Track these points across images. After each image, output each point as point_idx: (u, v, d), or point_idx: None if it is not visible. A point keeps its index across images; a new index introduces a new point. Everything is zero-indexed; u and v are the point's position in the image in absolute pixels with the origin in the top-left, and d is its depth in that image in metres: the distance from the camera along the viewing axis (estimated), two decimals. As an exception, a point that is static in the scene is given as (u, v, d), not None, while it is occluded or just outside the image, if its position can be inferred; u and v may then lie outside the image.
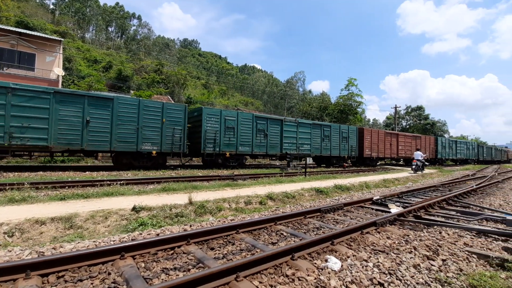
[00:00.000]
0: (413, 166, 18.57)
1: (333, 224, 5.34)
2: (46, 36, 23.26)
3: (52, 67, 21.95)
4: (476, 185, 10.89)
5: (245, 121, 16.31)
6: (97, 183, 8.33)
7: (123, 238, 4.12)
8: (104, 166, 14.28)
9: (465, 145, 38.29)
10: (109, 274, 2.89)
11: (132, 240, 3.95)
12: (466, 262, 3.57)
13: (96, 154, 14.57)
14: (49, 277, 2.75)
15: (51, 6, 72.95)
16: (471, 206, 7.26)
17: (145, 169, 13.09)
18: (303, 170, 14.30)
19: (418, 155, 19.41)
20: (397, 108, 43.08)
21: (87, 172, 11.32)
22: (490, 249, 4.05)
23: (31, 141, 10.53)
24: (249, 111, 41.89)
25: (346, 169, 19.38)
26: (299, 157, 20.96)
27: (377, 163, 26.14)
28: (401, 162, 31.40)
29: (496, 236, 4.60)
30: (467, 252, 3.85)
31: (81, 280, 2.74)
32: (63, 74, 23.56)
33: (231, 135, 15.62)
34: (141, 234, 4.33)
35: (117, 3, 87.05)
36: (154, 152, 13.31)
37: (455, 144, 35.44)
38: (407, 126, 64.88)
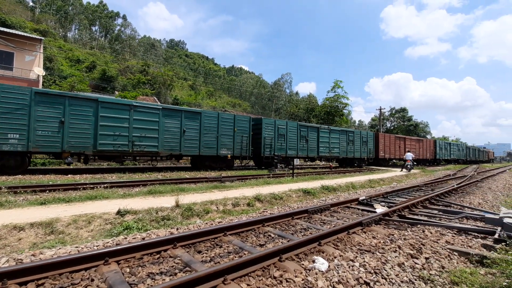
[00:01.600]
0: (408, 166, 20.33)
1: (320, 224, 5.39)
2: (25, 34, 22.43)
3: (32, 67, 21.19)
4: (457, 185, 11.27)
5: (292, 129, 19.08)
6: (80, 186, 8.09)
7: (107, 243, 4.01)
8: (88, 169, 13.88)
9: (457, 147, 43.26)
10: (92, 280, 2.80)
11: (117, 244, 3.85)
12: (448, 260, 3.68)
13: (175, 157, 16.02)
14: (27, 285, 2.63)
15: (31, 4, 70.44)
16: (452, 205, 7.50)
17: (221, 170, 15.77)
18: (290, 171, 14.40)
19: (409, 155, 20.98)
20: (382, 110, 44.12)
21: (69, 175, 10.97)
22: (470, 247, 4.20)
23: (146, 148, 12.98)
24: (237, 112, 41.85)
25: (332, 169, 19.70)
26: (331, 159, 23.65)
27: (389, 163, 29.94)
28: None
29: (476, 234, 4.77)
30: (448, 250, 3.98)
31: (62, 288, 2.64)
32: (44, 74, 22.79)
33: (282, 141, 18.40)
34: (126, 238, 4.23)
35: (100, 2, 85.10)
36: (229, 155, 16.02)
37: (449, 146, 40.02)
38: (392, 127, 66.47)
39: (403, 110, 67.20)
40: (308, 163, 27.96)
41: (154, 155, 13.51)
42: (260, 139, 17.23)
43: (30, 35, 22.91)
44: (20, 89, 10.53)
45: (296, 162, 24.96)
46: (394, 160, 31.75)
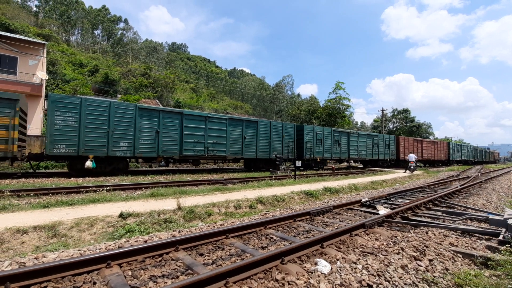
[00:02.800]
0: (411, 167, 20.58)
1: (322, 226, 5.37)
2: (28, 39, 22.63)
3: (35, 71, 21.35)
4: (460, 186, 11.19)
5: (327, 134, 21.57)
6: (83, 189, 8.11)
7: (110, 245, 4.02)
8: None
9: (466, 149, 46.57)
10: (95, 283, 2.80)
11: (119, 247, 3.86)
12: (452, 262, 3.65)
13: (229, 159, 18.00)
14: (30, 288, 2.64)
15: (34, 9, 71.18)
16: (456, 206, 7.44)
17: (272, 170, 17.60)
18: (293, 173, 14.37)
19: (412, 157, 21.13)
20: (384, 111, 43.96)
21: (72, 179, 11.02)
22: (474, 248, 4.16)
23: (217, 153, 15.33)
24: (238, 114, 41.91)
25: (335, 171, 19.64)
26: (359, 160, 25.84)
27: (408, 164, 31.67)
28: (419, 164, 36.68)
29: (480, 235, 4.73)
30: (452, 252, 3.94)
31: (64, 291, 2.65)
32: (47, 78, 22.95)
33: (319, 145, 20.78)
34: (128, 241, 4.23)
35: (103, 6, 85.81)
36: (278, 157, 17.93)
37: (460, 148, 43.31)
38: (394, 129, 66.17)
39: (406, 111, 66.87)
40: (338, 165, 29.71)
41: (222, 158, 16.03)
42: (302, 144, 19.58)
43: (34, 40, 23.11)
44: (128, 105, 12.90)
45: (298, 164, 25.02)
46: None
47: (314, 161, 20.40)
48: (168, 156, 13.78)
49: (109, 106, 11.98)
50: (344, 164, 29.55)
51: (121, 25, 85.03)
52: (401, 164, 28.81)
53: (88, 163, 11.31)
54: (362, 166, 28.04)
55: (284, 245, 4.11)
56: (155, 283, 2.86)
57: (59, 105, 10.95)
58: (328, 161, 22.67)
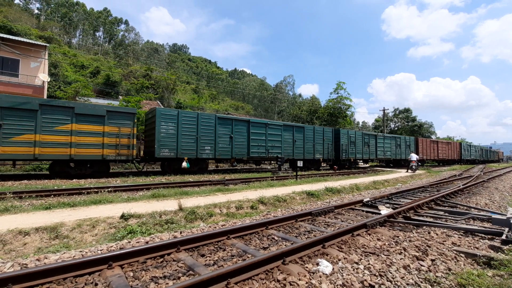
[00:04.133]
0: (413, 167, 20.79)
1: (324, 227, 5.36)
2: (30, 41, 22.73)
3: (37, 73, 21.44)
4: (463, 185, 11.13)
5: (358, 137, 23.90)
6: (84, 191, 8.14)
7: (111, 247, 4.02)
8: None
9: (475, 149, 51.27)
10: (96, 285, 2.81)
11: (120, 248, 3.85)
12: (455, 262, 3.63)
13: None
14: (32, 290, 2.65)
15: (36, 11, 71.56)
16: (458, 205, 7.41)
17: (315, 169, 20.84)
18: (294, 173, 14.36)
19: (414, 156, 21.25)
20: (385, 111, 43.85)
21: (74, 180, 11.05)
22: (477, 248, 4.13)
23: (275, 154, 17.92)
24: (239, 115, 41.92)
25: (336, 171, 19.62)
26: (383, 161, 28.34)
27: (425, 162, 35.24)
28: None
29: (483, 235, 4.70)
30: (455, 252, 3.92)
31: (66, 292, 2.65)
32: (49, 80, 23.05)
33: (352, 147, 23.00)
34: (129, 242, 4.24)
35: (104, 8, 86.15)
36: (321, 158, 21.07)
37: (470, 148, 47.62)
38: (396, 128, 65.96)
39: (407, 110, 66.63)
40: (363, 164, 31.47)
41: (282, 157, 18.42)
42: (339, 146, 22.03)
43: (35, 42, 23.22)
44: (210, 115, 15.48)
45: (299, 164, 25.20)
46: (428, 161, 37.67)
47: (349, 161, 22.90)
48: (238, 158, 16.28)
49: (197, 117, 14.59)
50: (370, 163, 31.77)
51: (122, 26, 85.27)
52: (419, 163, 30.99)
53: (184, 164, 13.76)
54: (384, 165, 30.89)
55: (285, 245, 4.10)
56: (157, 284, 2.86)
57: (163, 117, 13.37)
58: (358, 160, 24.64)
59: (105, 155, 12.37)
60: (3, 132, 10.31)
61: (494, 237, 4.57)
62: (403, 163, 28.81)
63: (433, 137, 67.25)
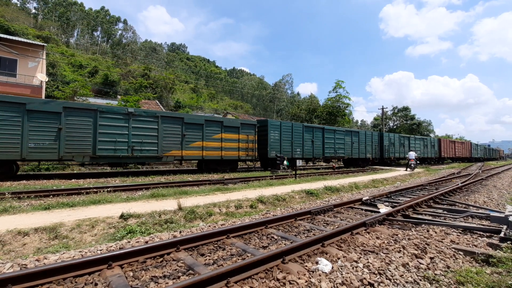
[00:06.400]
0: (412, 165, 21.21)
1: (323, 225, 5.37)
2: (28, 41, 22.63)
3: (35, 73, 21.37)
4: (461, 183, 11.17)
5: (396, 138, 28.60)
6: (83, 191, 8.12)
7: (111, 247, 4.02)
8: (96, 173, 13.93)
9: (480, 147, 58.10)
10: (96, 285, 2.81)
11: (120, 248, 3.86)
12: (453, 259, 3.64)
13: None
14: (32, 290, 2.64)
15: (33, 11, 71.20)
16: (457, 203, 7.44)
17: (362, 167, 23.78)
18: (293, 172, 14.38)
19: (412, 155, 21.52)
20: (384, 109, 43.91)
21: (73, 180, 11.02)
22: (475, 246, 4.15)
23: (341, 154, 22.01)
24: (238, 114, 41.85)
25: (335, 170, 19.67)
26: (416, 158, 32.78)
27: (445, 160, 40.38)
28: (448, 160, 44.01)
29: (481, 233, 4.72)
30: (454, 249, 3.94)
31: (66, 293, 2.65)
32: (47, 79, 22.95)
33: (392, 147, 27.80)
34: (129, 242, 4.24)
35: (102, 7, 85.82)
36: (370, 157, 25.25)
37: (477, 147, 54.66)
38: (394, 127, 66.05)
39: (406, 109, 66.71)
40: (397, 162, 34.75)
41: (342, 157, 22.96)
42: (383, 146, 26.68)
43: (33, 42, 23.11)
44: (299, 125, 19.38)
45: (299, 163, 25.43)
46: (448, 158, 42.52)
47: (389, 159, 27.44)
48: (317, 157, 20.38)
49: (291, 126, 18.60)
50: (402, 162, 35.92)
51: (120, 25, 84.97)
52: (441, 161, 37.97)
53: (285, 162, 16.98)
54: (419, 162, 34.29)
55: (285, 244, 4.11)
56: (157, 284, 2.86)
57: (271, 127, 17.44)
58: (396, 158, 29.01)
59: (240, 156, 16.30)
60: (185, 140, 14.09)
61: (492, 234, 4.59)
62: (428, 161, 34.36)
63: (432, 135, 67.47)
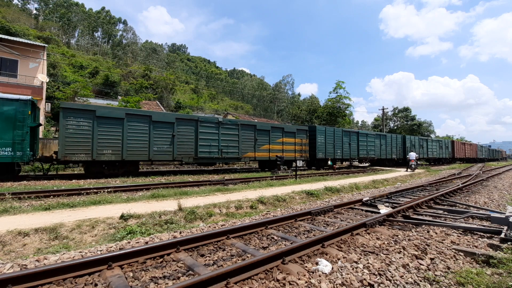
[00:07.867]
0: (412, 165, 21.31)
1: (323, 226, 5.37)
2: (29, 42, 22.69)
3: (36, 74, 21.43)
4: (462, 184, 11.15)
5: (416, 140, 31.54)
6: (84, 191, 8.13)
7: (111, 247, 4.02)
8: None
9: (485, 148, 62.76)
10: (96, 285, 2.81)
11: (120, 249, 3.86)
12: (454, 260, 3.64)
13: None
14: (32, 291, 2.65)
15: (34, 11, 71.38)
16: (458, 204, 7.43)
17: (389, 167, 26.71)
18: (294, 173, 14.37)
19: (413, 155, 21.66)
20: (384, 110, 43.90)
21: (73, 181, 11.03)
22: (476, 247, 4.14)
23: (371, 155, 24.99)
24: (238, 115, 41.86)
25: (336, 171, 19.65)
26: (432, 158, 36.19)
27: (456, 160, 43.80)
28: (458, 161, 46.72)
29: (482, 234, 4.71)
30: (454, 250, 3.93)
31: (66, 293, 2.65)
32: (47, 80, 23.00)
33: (412, 148, 29.62)
34: (129, 242, 4.24)
35: (103, 8, 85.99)
36: (395, 158, 28.41)
37: (482, 148, 58.68)
38: (395, 127, 66.05)
39: (406, 109, 66.74)
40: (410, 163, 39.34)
41: (373, 158, 25.47)
42: (405, 148, 29.48)
43: (34, 43, 23.17)
44: (338, 130, 22.10)
45: (299, 164, 25.99)
46: (459, 159, 45.57)
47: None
48: (353, 158, 23.53)
49: (333, 130, 21.53)
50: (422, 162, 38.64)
51: (120, 26, 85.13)
52: (452, 161, 41.58)
53: (329, 162, 20.89)
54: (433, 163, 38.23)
55: (285, 245, 4.11)
56: (156, 284, 2.86)
57: (319, 132, 20.23)
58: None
59: (296, 157, 18.56)
60: (257, 144, 16.88)
61: (493, 235, 4.59)
62: (443, 161, 38.18)
63: (432, 136, 67.51)
